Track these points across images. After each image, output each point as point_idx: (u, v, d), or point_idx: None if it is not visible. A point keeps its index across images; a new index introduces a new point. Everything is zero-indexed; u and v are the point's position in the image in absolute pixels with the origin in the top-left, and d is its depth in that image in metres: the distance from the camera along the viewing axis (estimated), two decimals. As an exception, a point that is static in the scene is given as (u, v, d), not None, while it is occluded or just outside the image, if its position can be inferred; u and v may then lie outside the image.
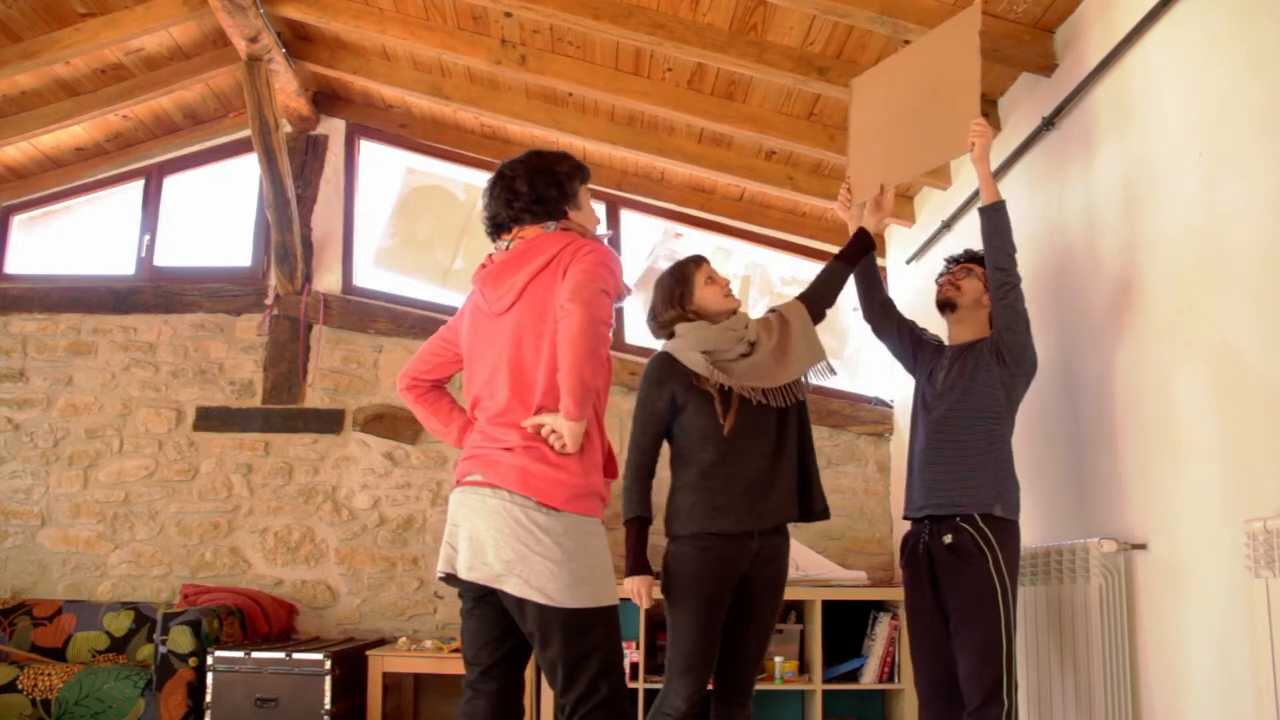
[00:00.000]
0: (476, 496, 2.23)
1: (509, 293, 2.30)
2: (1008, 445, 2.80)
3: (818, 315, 2.97)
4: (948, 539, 2.72)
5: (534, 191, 2.37)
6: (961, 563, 2.69)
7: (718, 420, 2.70)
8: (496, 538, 2.17)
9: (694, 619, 2.64)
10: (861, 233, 3.07)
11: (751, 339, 2.79)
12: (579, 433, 2.20)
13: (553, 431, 2.21)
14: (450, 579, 2.30)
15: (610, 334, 2.23)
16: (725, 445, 2.70)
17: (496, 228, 2.43)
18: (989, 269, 2.83)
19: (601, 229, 2.53)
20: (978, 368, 2.82)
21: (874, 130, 3.22)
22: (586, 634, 2.17)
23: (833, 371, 2.90)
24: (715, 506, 2.68)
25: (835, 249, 3.44)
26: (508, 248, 2.38)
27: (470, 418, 2.40)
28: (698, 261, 2.88)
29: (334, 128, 5.20)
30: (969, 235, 3.12)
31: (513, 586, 2.15)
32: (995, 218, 2.82)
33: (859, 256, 3.06)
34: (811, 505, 2.82)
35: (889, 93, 3.20)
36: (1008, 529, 2.72)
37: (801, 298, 2.98)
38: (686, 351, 2.76)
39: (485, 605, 2.29)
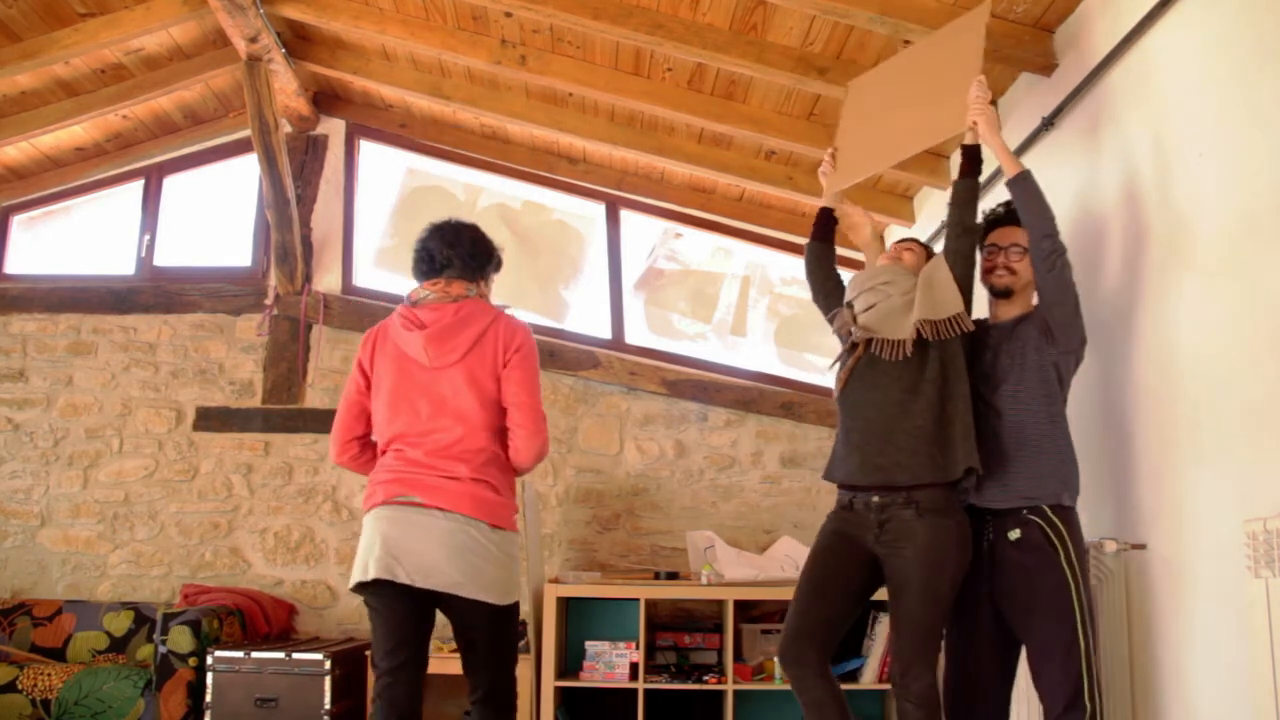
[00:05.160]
0: (423, 516, 2.59)
1: (452, 353, 2.69)
2: (1067, 427, 2.65)
3: (960, 244, 2.73)
4: (1014, 535, 2.54)
5: (474, 248, 2.83)
6: (1032, 559, 2.51)
7: (844, 362, 2.80)
8: (450, 554, 2.57)
9: (798, 586, 2.70)
10: (966, 147, 2.81)
11: (885, 281, 2.76)
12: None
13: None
14: (376, 584, 2.57)
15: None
16: (845, 392, 2.76)
17: (429, 265, 2.82)
18: (1033, 240, 2.63)
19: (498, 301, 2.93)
20: (1026, 347, 2.66)
21: (864, 123, 3.17)
22: (507, 623, 2.72)
23: (962, 328, 2.63)
24: (836, 454, 2.78)
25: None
26: (431, 299, 2.75)
27: (383, 450, 2.75)
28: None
29: (334, 128, 5.20)
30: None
31: (469, 592, 2.58)
32: (1028, 186, 2.64)
33: (977, 165, 2.79)
34: (950, 464, 2.57)
35: (885, 90, 3.16)
36: (1074, 518, 2.57)
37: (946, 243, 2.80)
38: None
39: (409, 601, 2.61)
